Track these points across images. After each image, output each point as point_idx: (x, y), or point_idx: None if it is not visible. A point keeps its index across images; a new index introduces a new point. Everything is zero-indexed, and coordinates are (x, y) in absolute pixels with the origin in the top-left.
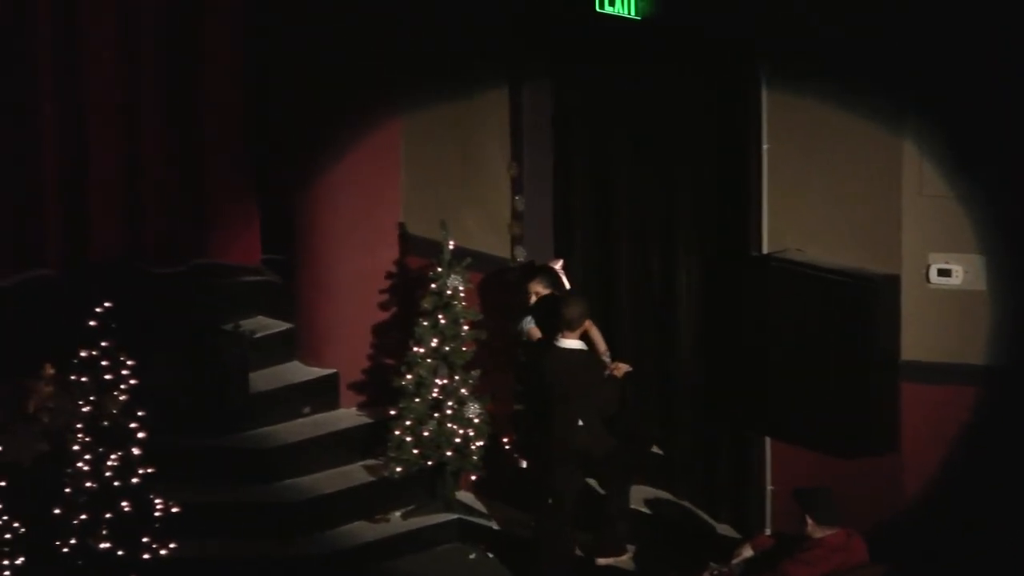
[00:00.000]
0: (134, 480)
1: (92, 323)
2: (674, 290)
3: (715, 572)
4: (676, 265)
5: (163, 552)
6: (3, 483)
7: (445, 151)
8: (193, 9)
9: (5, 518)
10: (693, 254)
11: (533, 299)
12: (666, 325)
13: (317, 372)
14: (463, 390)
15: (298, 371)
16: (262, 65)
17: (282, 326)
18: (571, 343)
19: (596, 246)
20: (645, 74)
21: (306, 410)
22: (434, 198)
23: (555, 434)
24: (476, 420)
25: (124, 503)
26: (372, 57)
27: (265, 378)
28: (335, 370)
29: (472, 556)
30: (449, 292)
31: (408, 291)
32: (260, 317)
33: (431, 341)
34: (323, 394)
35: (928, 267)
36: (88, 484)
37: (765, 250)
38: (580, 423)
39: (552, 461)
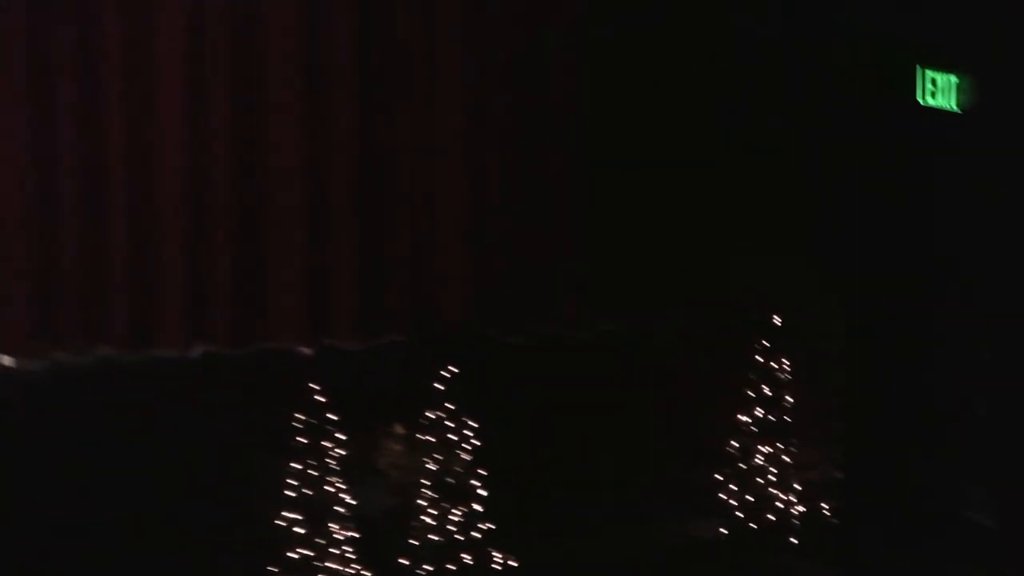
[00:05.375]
0: (475, 535)
1: (439, 387)
2: None
3: None
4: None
5: None
6: (356, 534)
7: None
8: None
9: (357, 566)
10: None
11: None
12: None
13: None
14: (785, 457)
15: None
16: None
17: None
18: None
19: None
20: None
21: None
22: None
23: None
24: (798, 487)
25: (466, 556)
26: None
27: None
28: None
29: None
30: (773, 364)
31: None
32: None
33: (754, 409)
34: None
35: None
36: (432, 537)
37: None
38: None
39: None
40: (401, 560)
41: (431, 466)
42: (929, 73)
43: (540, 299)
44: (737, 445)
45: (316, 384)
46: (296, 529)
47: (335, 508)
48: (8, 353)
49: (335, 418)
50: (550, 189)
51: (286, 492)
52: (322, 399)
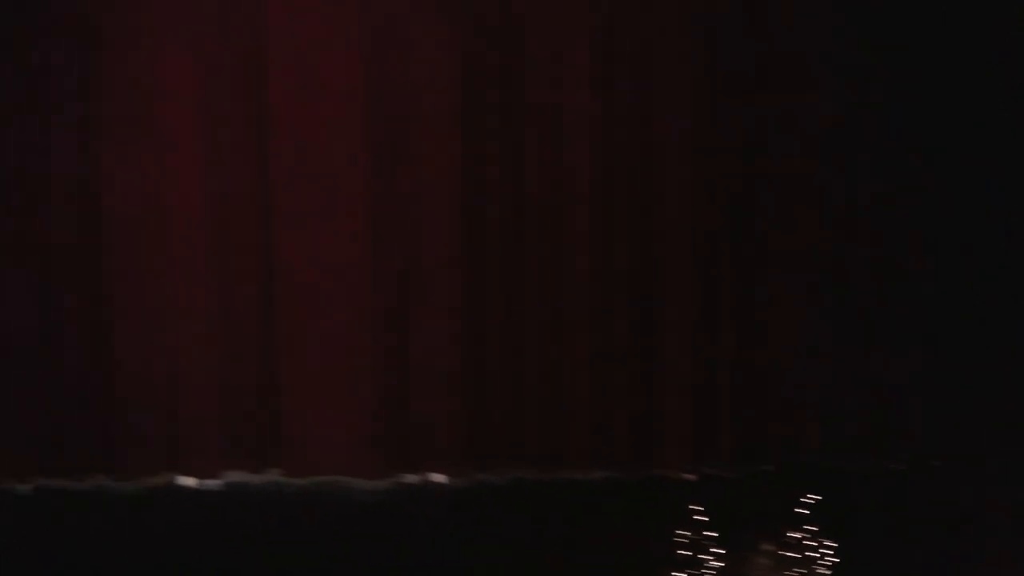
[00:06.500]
0: None
1: (799, 510)
2: None
3: None
4: None
5: None
6: None
7: None
8: None
9: None
10: None
11: None
12: None
13: None
14: None
15: None
16: None
17: None
18: None
19: None
20: None
21: None
22: None
23: None
24: None
25: None
26: None
27: None
28: None
29: None
30: None
31: None
32: None
33: None
34: None
35: None
36: None
37: None
38: None
39: None
40: None
41: None
42: None
43: (878, 437)
44: None
45: (698, 505)
46: None
47: None
48: (440, 472)
49: (713, 535)
50: (886, 326)
51: None
52: (702, 519)
